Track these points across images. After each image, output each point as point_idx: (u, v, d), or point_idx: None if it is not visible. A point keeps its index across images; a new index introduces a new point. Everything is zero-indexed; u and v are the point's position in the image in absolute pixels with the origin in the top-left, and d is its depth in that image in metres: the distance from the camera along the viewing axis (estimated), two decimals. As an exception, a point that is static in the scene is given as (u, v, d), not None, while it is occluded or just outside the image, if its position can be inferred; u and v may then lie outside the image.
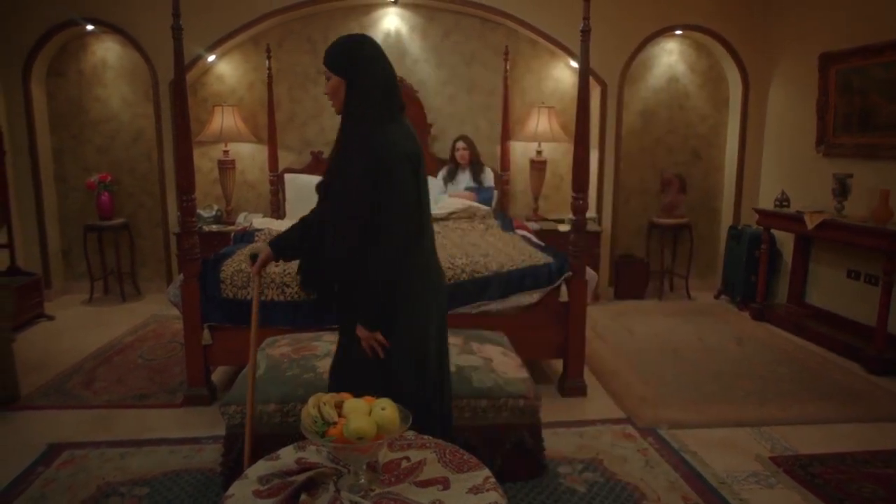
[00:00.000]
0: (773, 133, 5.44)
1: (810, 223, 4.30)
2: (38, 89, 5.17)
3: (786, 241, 5.16)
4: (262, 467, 1.84)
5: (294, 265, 3.28)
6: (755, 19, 5.39)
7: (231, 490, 1.74)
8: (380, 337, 1.96)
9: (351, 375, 2.06)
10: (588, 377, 3.58)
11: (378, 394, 1.72)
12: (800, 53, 5.01)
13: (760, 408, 3.29)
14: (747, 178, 5.61)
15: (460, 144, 5.11)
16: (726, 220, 5.79)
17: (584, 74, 3.27)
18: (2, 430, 3.01)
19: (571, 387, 3.46)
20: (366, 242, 1.90)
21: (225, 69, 5.42)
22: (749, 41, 5.40)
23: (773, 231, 5.00)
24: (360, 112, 1.91)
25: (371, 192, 1.86)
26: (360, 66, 1.91)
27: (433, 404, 2.09)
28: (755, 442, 2.94)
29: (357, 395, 1.70)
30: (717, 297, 5.64)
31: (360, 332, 1.96)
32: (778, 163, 5.38)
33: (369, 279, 1.91)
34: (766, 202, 5.25)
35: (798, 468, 2.68)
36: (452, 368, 2.54)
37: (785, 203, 4.79)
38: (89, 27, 5.08)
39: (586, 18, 3.16)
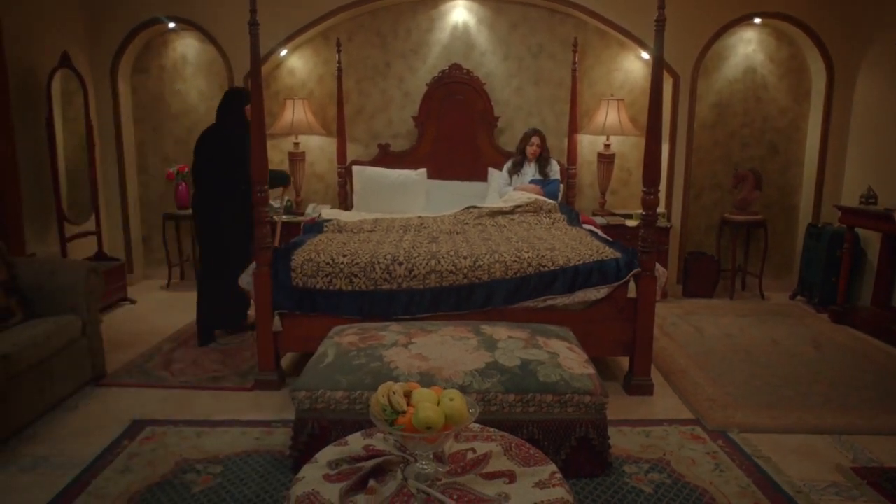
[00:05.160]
0: (860, 126, 5.13)
1: (900, 222, 4.05)
2: (124, 85, 5.45)
3: (871, 240, 4.87)
4: (330, 452, 1.88)
5: (363, 257, 3.36)
6: (842, 4, 5.09)
7: (302, 473, 1.79)
8: None
9: None
10: (654, 376, 3.49)
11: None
12: (892, 40, 4.70)
13: (841, 415, 3.13)
14: (829, 173, 5.33)
15: (535, 139, 4.98)
16: (804, 217, 5.52)
17: (658, 66, 3.18)
18: (93, 403, 3.21)
19: (638, 385, 3.39)
20: None
21: (296, 63, 5.56)
22: (835, 28, 5.11)
23: (857, 230, 4.73)
24: None
25: None
26: None
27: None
28: (835, 451, 2.80)
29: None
30: (792, 297, 5.39)
31: None
32: (864, 158, 5.07)
33: None
34: (850, 199, 4.96)
35: (885, 482, 2.53)
36: (517, 362, 2.54)
37: (872, 200, 4.51)
38: (171, 25, 5.31)
39: (661, 8, 3.07)
